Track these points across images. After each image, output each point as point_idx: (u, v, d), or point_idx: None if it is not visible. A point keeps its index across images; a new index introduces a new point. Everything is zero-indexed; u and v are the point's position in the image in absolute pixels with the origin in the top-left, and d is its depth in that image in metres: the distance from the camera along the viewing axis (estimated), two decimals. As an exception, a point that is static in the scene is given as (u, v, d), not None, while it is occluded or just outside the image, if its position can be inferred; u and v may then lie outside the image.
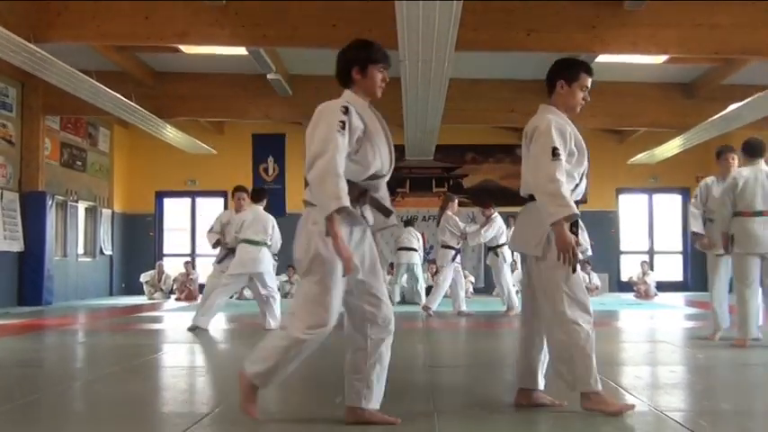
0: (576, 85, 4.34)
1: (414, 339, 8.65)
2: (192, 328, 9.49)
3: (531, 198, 4.32)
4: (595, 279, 19.28)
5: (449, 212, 12.42)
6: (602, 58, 13.20)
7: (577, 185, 4.33)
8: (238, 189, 10.64)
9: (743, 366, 6.15)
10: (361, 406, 3.91)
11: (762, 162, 7.33)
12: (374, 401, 3.94)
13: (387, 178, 4.17)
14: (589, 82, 4.40)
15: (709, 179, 8.26)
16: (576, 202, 4.14)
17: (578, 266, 4.16)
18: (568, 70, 4.37)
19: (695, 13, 11.10)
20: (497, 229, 12.26)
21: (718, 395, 4.85)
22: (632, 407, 4.09)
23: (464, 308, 12.14)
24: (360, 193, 3.93)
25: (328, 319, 3.81)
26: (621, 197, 20.96)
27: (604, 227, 20.85)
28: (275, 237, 10.22)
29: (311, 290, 3.83)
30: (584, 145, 4.31)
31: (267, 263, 10.05)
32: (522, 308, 4.53)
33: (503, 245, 12.32)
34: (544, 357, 4.35)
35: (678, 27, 11.12)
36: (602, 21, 11.24)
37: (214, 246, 10.91)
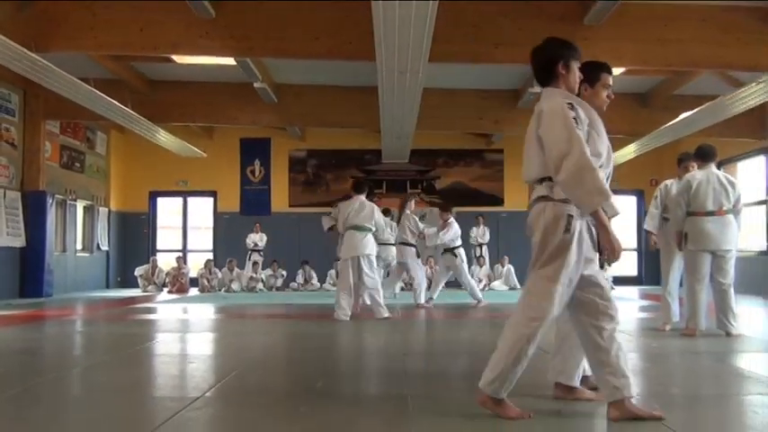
0: (599, 85, 4.18)
1: (390, 329, 8.66)
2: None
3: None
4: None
5: (407, 212, 12.41)
6: (564, 70, 13.26)
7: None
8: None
9: (692, 354, 6.21)
10: (624, 396, 3.56)
11: (713, 166, 7.43)
12: (633, 389, 3.61)
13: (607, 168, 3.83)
14: (611, 80, 4.24)
15: (669, 181, 8.33)
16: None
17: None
18: (589, 73, 4.17)
19: (650, 30, 11.19)
20: (454, 232, 12.27)
21: (669, 380, 4.89)
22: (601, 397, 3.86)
23: (422, 301, 12.10)
24: None
25: (551, 311, 3.60)
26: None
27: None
28: (379, 223, 10.35)
29: (539, 283, 3.63)
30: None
31: (372, 247, 10.09)
32: None
33: (459, 246, 12.36)
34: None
35: (634, 42, 11.20)
36: (564, 35, 11.13)
37: (328, 230, 11.86)
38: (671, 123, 14.37)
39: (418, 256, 12.41)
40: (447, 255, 12.43)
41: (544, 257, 3.63)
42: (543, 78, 4.01)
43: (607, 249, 3.60)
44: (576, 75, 3.97)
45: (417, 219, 12.57)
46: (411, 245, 12.32)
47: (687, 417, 3.76)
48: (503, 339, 3.70)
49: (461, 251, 12.36)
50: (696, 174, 7.44)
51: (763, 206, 15.81)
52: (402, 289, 15.80)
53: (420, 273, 12.40)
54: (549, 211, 3.64)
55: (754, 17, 11.18)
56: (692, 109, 13.22)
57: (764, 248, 15.77)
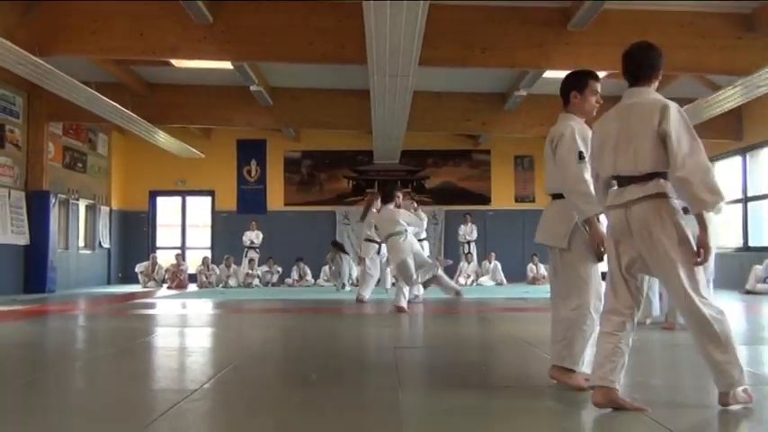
0: (588, 91, 4.29)
1: (381, 323, 8.67)
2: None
3: (555, 196, 4.30)
4: (542, 269, 19.41)
5: (373, 210, 12.40)
6: (549, 74, 13.31)
7: None
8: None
9: (672, 347, 6.24)
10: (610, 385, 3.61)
11: None
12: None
13: None
14: (598, 86, 4.35)
15: None
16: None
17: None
18: (578, 81, 4.32)
19: (631, 34, 11.07)
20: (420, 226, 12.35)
21: (649, 372, 4.91)
22: (585, 385, 3.95)
23: (366, 296, 12.15)
24: None
25: None
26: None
27: (550, 223, 20.99)
28: (412, 222, 10.63)
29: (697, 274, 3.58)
30: None
31: (406, 250, 10.19)
32: (551, 294, 4.45)
33: (423, 240, 12.40)
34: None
35: (616, 46, 11.02)
36: (548, 40, 11.34)
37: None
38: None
39: (378, 253, 12.43)
40: None
41: None
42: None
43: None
44: (590, 101, 4.29)
45: None
46: (374, 241, 12.36)
47: (668, 407, 3.77)
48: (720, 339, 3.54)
49: (425, 244, 12.49)
50: None
51: (740, 204, 15.89)
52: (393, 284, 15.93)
53: (375, 270, 12.44)
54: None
55: (730, 24, 11.24)
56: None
57: (741, 245, 15.84)
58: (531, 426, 3.40)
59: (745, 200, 15.81)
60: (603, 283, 4.03)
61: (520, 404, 3.85)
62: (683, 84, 14.02)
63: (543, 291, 15.56)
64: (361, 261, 12.63)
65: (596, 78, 4.36)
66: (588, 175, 4.01)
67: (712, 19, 11.25)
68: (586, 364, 4.01)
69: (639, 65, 3.95)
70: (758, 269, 14.08)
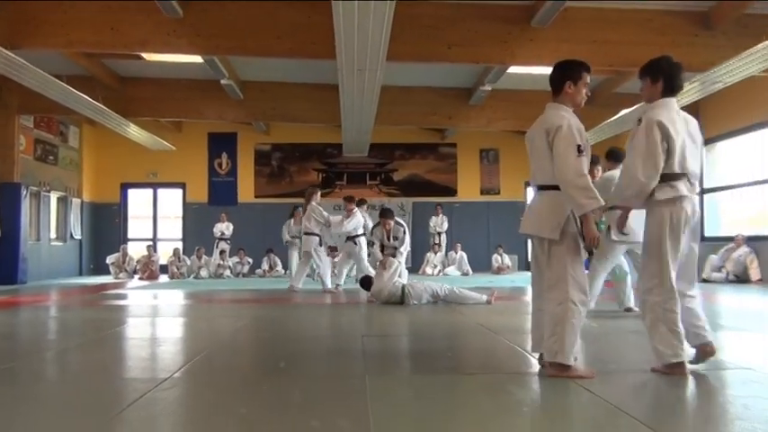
0: (581, 82, 4.25)
1: (349, 313, 8.68)
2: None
3: (543, 188, 4.22)
4: (507, 260, 19.54)
5: (313, 203, 12.41)
6: (513, 69, 13.39)
7: None
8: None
9: (631, 333, 6.29)
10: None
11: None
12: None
13: None
14: (589, 79, 4.32)
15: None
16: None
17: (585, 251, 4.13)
18: (573, 71, 4.25)
19: (592, 31, 11.32)
20: (357, 221, 12.40)
21: (607, 357, 4.96)
22: (593, 375, 4.03)
23: (299, 286, 12.18)
24: None
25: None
26: (530, 189, 21.14)
27: (515, 214, 21.15)
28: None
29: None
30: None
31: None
32: (533, 284, 4.42)
33: (361, 235, 12.49)
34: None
35: (577, 43, 11.31)
36: (513, 37, 11.39)
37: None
38: (611, 120, 14.56)
39: (320, 245, 12.46)
40: (349, 242, 12.61)
41: None
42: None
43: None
44: (582, 93, 4.26)
45: (322, 209, 12.56)
46: (315, 234, 12.37)
47: (619, 387, 3.83)
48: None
49: (362, 240, 12.48)
50: (614, 173, 7.55)
51: (697, 197, 16.07)
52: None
53: (324, 260, 12.47)
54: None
55: (688, 21, 11.37)
56: (632, 106, 13.39)
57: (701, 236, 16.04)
58: (494, 410, 3.42)
59: (702, 192, 16.01)
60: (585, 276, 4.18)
61: (484, 389, 3.88)
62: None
63: (507, 280, 15.69)
64: (305, 255, 12.57)
65: (589, 71, 4.34)
66: (586, 169, 4.03)
67: (671, 17, 11.37)
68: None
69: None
70: (713, 259, 14.31)
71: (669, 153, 4.15)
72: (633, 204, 4.29)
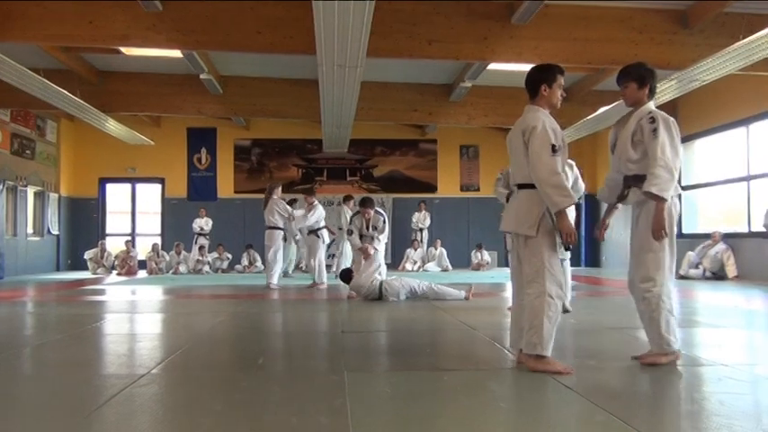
0: (556, 85, 4.36)
1: (328, 308, 8.67)
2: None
3: (522, 186, 4.31)
4: (486, 256, 19.60)
5: (275, 197, 12.40)
6: (493, 66, 13.42)
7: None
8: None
9: (607, 329, 6.33)
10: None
11: (573, 162, 7.55)
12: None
13: None
14: (563, 81, 4.43)
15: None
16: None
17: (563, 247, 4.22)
18: (548, 75, 4.37)
19: (571, 29, 11.35)
20: (318, 215, 12.54)
21: (584, 353, 4.99)
22: (571, 371, 4.09)
23: (274, 282, 12.13)
24: None
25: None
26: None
27: (494, 211, 21.22)
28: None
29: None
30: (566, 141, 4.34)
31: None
32: (512, 280, 4.51)
33: (323, 228, 12.62)
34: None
35: (557, 40, 11.36)
36: (493, 34, 11.40)
37: None
38: (590, 117, 14.63)
39: (285, 240, 12.50)
40: (311, 236, 12.74)
41: None
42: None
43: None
44: (557, 94, 4.37)
45: (285, 203, 12.57)
46: (279, 228, 12.40)
47: (596, 383, 3.85)
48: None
49: (324, 233, 12.64)
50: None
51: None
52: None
53: (280, 255, 12.51)
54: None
55: (666, 20, 11.43)
56: (610, 104, 13.48)
57: (676, 233, 16.15)
58: (473, 405, 3.43)
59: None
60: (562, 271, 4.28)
61: (462, 385, 3.90)
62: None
63: (487, 276, 15.74)
64: (268, 249, 12.53)
65: (563, 73, 4.45)
66: (561, 168, 4.13)
67: (649, 15, 11.43)
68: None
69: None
70: (691, 255, 14.44)
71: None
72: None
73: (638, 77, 4.52)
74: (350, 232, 10.83)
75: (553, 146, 4.12)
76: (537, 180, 4.13)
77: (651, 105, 4.50)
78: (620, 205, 4.63)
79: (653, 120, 4.33)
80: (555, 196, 4.07)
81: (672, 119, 4.37)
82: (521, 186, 4.34)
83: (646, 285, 4.34)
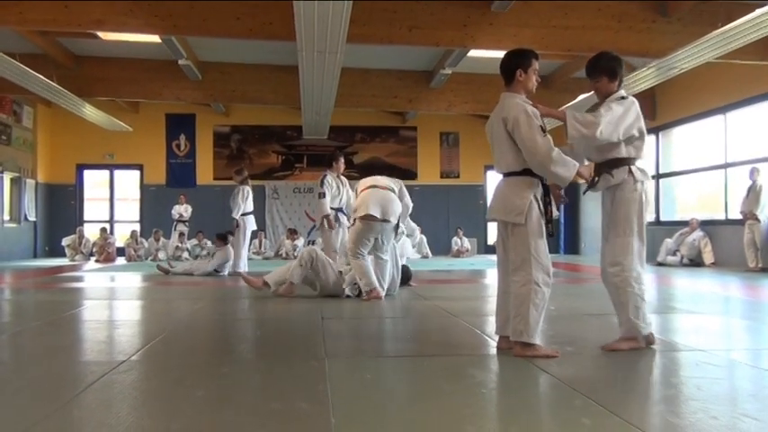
0: (531, 70, 4.37)
1: (312, 295, 8.67)
2: None
3: (506, 174, 4.32)
4: (466, 243, 19.66)
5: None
6: (473, 53, 13.41)
7: None
8: None
9: (585, 315, 6.37)
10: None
11: None
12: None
13: None
14: (538, 65, 4.45)
15: None
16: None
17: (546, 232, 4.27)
18: (522, 60, 4.38)
19: (551, 16, 11.37)
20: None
21: (563, 339, 5.02)
22: (557, 354, 4.16)
23: (242, 268, 12.18)
24: None
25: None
26: (489, 173, 21.28)
27: (474, 198, 21.31)
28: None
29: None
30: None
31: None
32: (498, 267, 4.51)
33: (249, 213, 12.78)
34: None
35: (537, 27, 11.37)
36: (473, 20, 11.40)
37: None
38: (570, 104, 14.66)
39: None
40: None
41: None
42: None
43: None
44: (532, 80, 4.39)
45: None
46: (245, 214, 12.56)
47: (575, 369, 3.88)
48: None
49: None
50: None
51: (653, 181, 16.33)
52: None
53: (245, 243, 12.67)
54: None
55: (645, 8, 11.48)
56: (590, 91, 13.47)
57: (653, 220, 16.30)
58: (454, 391, 3.45)
59: (658, 177, 16.24)
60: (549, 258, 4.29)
61: (444, 371, 3.91)
62: (600, 65, 14.26)
63: (467, 263, 15.79)
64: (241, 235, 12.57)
65: (537, 58, 4.47)
66: (552, 144, 4.18)
67: (629, 3, 11.46)
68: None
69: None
70: (668, 242, 14.56)
71: (641, 138, 4.46)
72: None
73: (610, 71, 4.60)
74: (322, 195, 10.76)
75: (541, 127, 4.16)
76: (539, 164, 4.16)
77: (622, 92, 4.59)
78: (589, 192, 4.65)
79: (623, 98, 4.50)
80: (562, 172, 4.13)
81: (637, 103, 4.52)
82: (506, 174, 4.34)
83: (614, 270, 4.37)
